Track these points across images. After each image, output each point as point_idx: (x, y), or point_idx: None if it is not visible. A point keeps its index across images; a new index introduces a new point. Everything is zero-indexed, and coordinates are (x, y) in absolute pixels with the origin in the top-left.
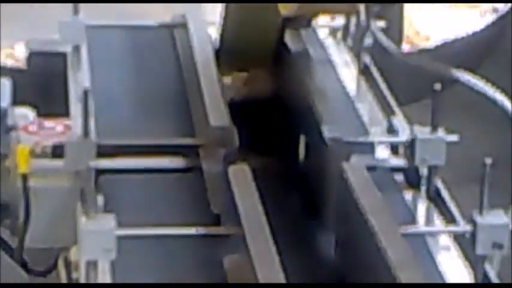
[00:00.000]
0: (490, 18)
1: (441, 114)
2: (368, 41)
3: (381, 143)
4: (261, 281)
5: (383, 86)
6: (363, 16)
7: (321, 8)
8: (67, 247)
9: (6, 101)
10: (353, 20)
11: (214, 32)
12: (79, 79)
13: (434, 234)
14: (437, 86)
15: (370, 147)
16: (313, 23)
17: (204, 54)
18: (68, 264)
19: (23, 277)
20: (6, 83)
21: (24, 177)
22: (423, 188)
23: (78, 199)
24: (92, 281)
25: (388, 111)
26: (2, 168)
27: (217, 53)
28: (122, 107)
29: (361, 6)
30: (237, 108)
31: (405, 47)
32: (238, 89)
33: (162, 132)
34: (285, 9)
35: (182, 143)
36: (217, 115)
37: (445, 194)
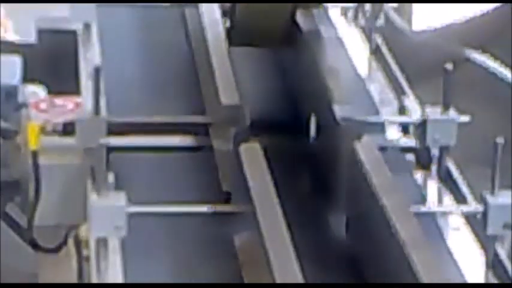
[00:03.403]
0: None
1: (452, 94)
2: (380, 21)
3: (391, 123)
4: (272, 258)
5: (394, 66)
6: None
7: None
8: (77, 224)
9: (16, 79)
10: None
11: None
12: (89, 57)
13: (445, 214)
14: (449, 66)
15: (381, 127)
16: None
17: (215, 33)
18: (78, 242)
19: (31, 255)
20: (17, 60)
21: (35, 155)
22: (434, 168)
23: (89, 176)
24: (102, 259)
25: (399, 91)
26: (12, 145)
27: (228, 32)
28: (132, 84)
29: None
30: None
31: None
32: None
33: (173, 110)
34: None
35: (193, 121)
36: (228, 93)
37: (456, 174)
